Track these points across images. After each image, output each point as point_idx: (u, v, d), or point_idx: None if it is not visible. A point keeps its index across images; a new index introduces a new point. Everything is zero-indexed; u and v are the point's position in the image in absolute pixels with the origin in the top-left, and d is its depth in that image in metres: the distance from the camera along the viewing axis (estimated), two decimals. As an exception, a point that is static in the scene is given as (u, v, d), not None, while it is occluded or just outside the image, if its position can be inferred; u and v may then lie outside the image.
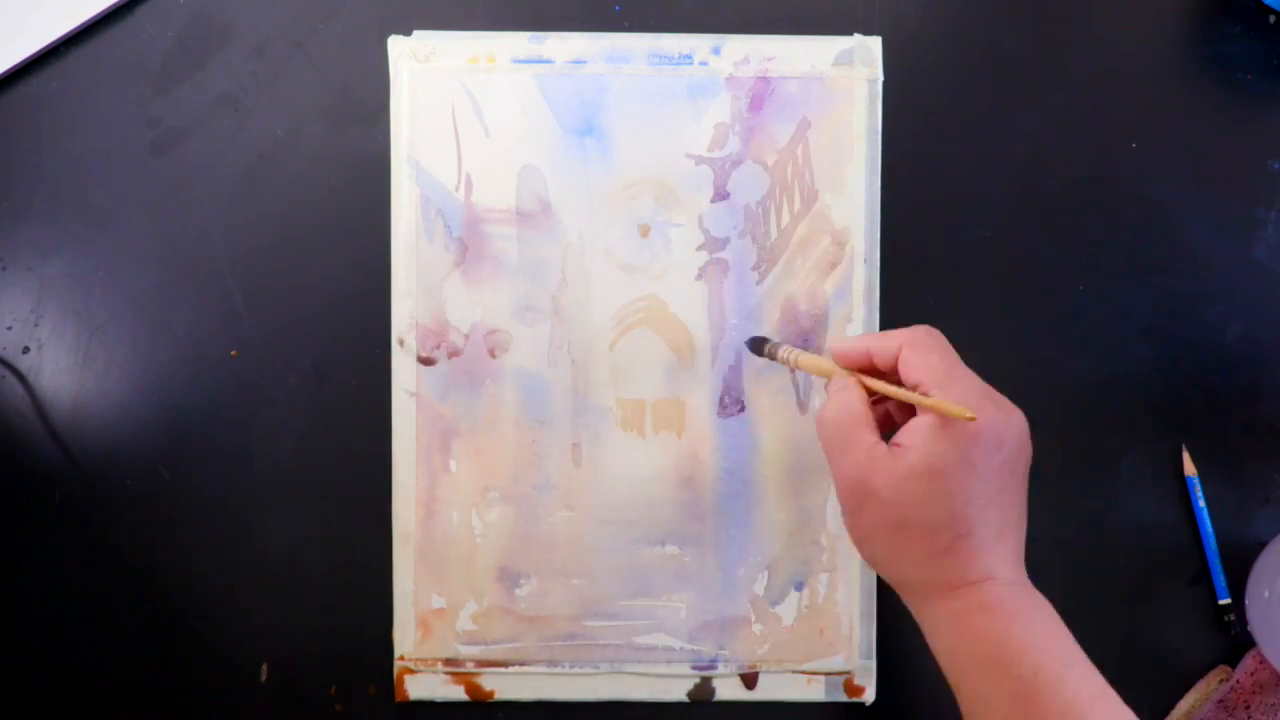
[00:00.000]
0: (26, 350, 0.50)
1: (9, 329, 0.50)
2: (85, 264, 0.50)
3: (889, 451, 0.39)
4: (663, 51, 0.50)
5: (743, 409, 0.50)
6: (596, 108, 0.50)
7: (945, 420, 0.38)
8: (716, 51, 0.50)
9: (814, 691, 0.50)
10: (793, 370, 0.49)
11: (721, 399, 0.50)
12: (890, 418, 0.43)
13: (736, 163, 0.50)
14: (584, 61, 0.50)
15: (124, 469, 0.50)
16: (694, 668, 0.50)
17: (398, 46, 0.50)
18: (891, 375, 0.41)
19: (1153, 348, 0.51)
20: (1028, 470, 0.40)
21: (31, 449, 0.50)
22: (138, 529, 0.50)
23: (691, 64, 0.50)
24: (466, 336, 0.50)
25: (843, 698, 0.50)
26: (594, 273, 0.50)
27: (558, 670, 0.50)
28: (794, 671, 0.50)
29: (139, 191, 0.50)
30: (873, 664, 0.50)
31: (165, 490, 0.50)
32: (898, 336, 0.41)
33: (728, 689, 0.50)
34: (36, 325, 0.50)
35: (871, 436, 0.39)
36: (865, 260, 0.50)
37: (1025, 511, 0.40)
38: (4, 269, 0.50)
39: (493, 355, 0.50)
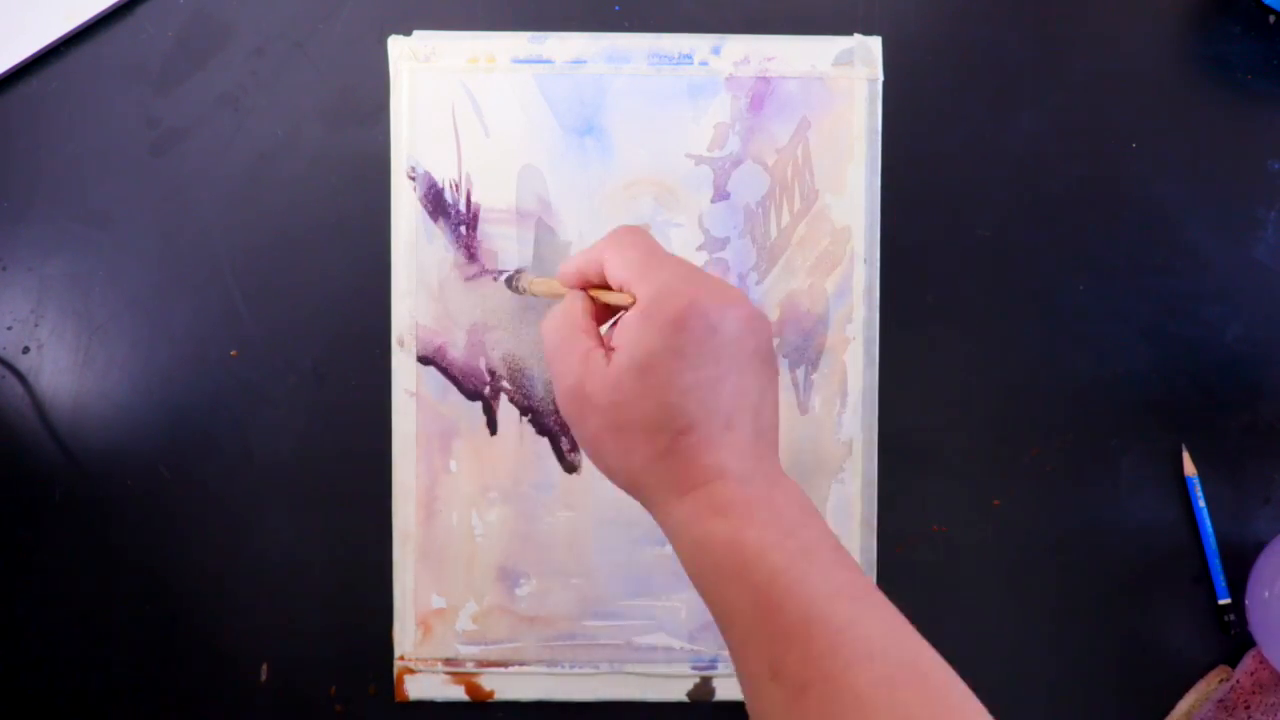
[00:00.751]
0: (26, 350, 0.50)
1: (9, 329, 0.50)
2: (85, 264, 0.50)
3: (605, 355, 0.37)
4: (663, 51, 0.50)
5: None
6: (596, 108, 0.50)
7: (647, 312, 0.36)
8: (716, 51, 0.50)
9: (814, 691, 0.50)
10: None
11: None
12: None
13: (736, 163, 0.50)
14: (584, 61, 0.50)
15: (124, 469, 0.50)
16: (694, 668, 0.50)
17: (398, 46, 0.50)
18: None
19: (1153, 348, 0.51)
20: (764, 354, 0.37)
21: (31, 449, 0.50)
22: (138, 529, 0.50)
23: (691, 64, 0.50)
24: (466, 336, 0.50)
25: (843, 698, 0.50)
26: (594, 273, 0.50)
27: (558, 670, 0.50)
28: (794, 671, 0.50)
29: (139, 191, 0.50)
30: (873, 664, 0.50)
31: (165, 490, 0.50)
32: (599, 244, 0.40)
33: (728, 689, 0.50)
34: (36, 325, 0.50)
35: (589, 342, 0.38)
36: (865, 260, 0.50)
37: (769, 399, 0.37)
38: (4, 269, 0.50)
39: (492, 355, 0.50)
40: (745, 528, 0.34)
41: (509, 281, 0.49)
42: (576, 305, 0.40)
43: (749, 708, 0.35)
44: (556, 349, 0.39)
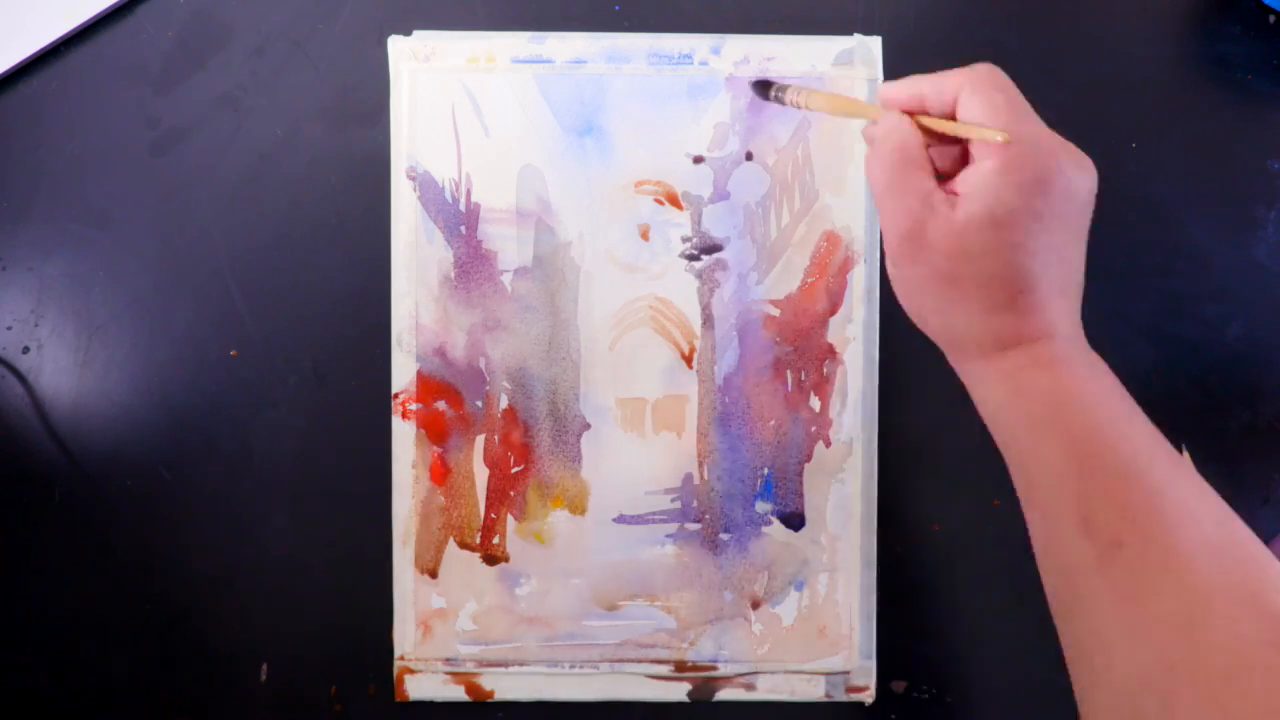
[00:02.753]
0: (26, 350, 0.50)
1: (9, 329, 0.50)
2: (85, 264, 0.50)
3: (947, 199, 0.35)
4: (663, 51, 0.50)
5: (743, 408, 0.50)
6: (596, 108, 0.50)
7: (1010, 166, 0.34)
8: (716, 51, 0.50)
9: (814, 691, 0.50)
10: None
11: (721, 399, 0.50)
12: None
13: (736, 163, 0.50)
14: (584, 61, 0.50)
15: (124, 469, 0.50)
16: (694, 668, 0.50)
17: (398, 46, 0.50)
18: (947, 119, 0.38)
19: (1153, 348, 0.51)
20: (1091, 223, 0.37)
21: (31, 449, 0.50)
22: (138, 529, 0.50)
23: (691, 64, 0.50)
24: (466, 336, 0.50)
25: (843, 698, 0.50)
26: (594, 273, 0.50)
27: (558, 670, 0.50)
28: (794, 672, 0.50)
29: (139, 191, 0.50)
30: (873, 664, 0.50)
31: (165, 490, 0.50)
32: (957, 76, 0.37)
33: (728, 689, 0.50)
34: (36, 325, 0.50)
35: (929, 182, 0.36)
36: (865, 260, 0.50)
37: (1082, 269, 0.37)
38: (4, 269, 0.50)
39: (492, 355, 0.50)
40: (1069, 382, 0.35)
41: (764, 90, 0.43)
42: (913, 138, 0.37)
43: (1046, 564, 0.35)
44: (891, 185, 0.36)
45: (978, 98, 0.36)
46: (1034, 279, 0.35)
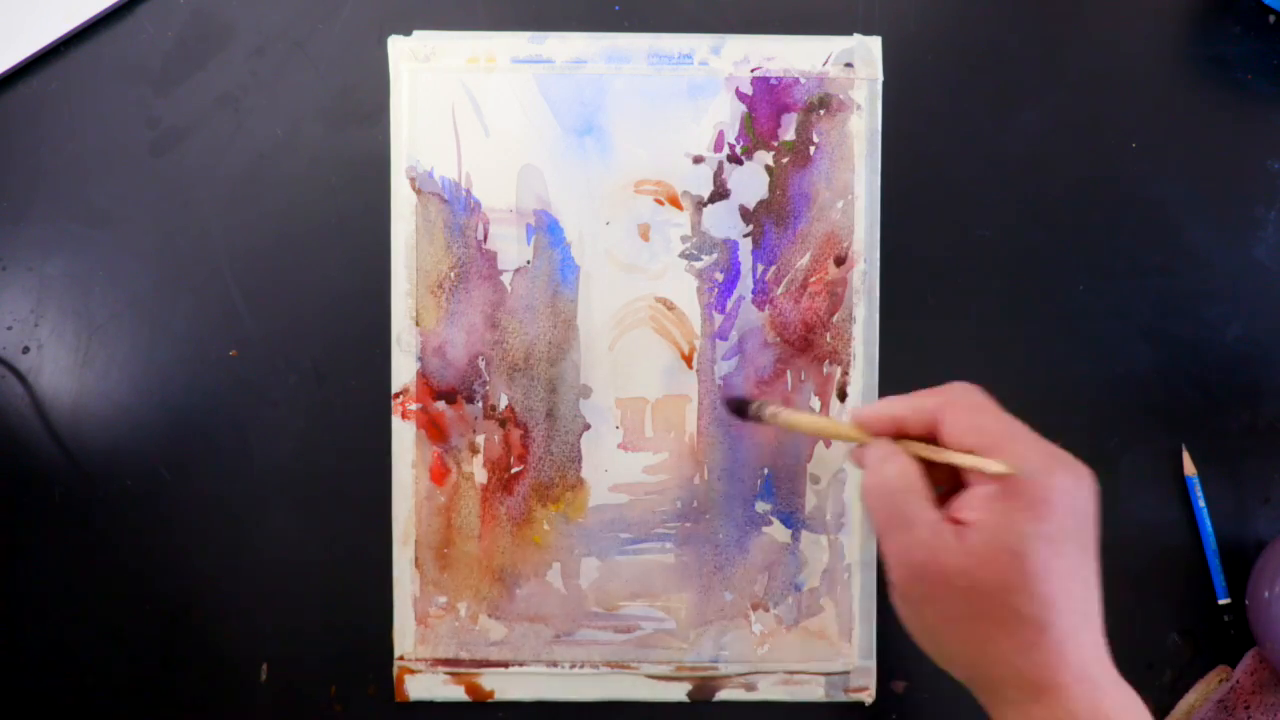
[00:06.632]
0: (26, 350, 0.50)
1: (9, 329, 0.50)
2: (85, 264, 0.50)
3: (955, 529, 0.34)
4: (663, 51, 0.50)
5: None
6: (596, 108, 0.50)
7: (1009, 489, 0.33)
8: (716, 51, 0.50)
9: (814, 692, 0.50)
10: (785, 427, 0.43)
11: (721, 398, 0.50)
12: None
13: (736, 163, 0.50)
14: (584, 61, 0.50)
15: (124, 469, 0.50)
16: (694, 668, 0.50)
17: (398, 46, 0.50)
18: (925, 440, 0.36)
19: (1153, 348, 0.51)
20: (1096, 532, 0.35)
21: (31, 449, 0.50)
22: (138, 529, 0.50)
23: (691, 64, 0.50)
24: (466, 336, 0.50)
25: (843, 698, 0.50)
26: (594, 273, 0.50)
27: (558, 670, 0.50)
28: (794, 672, 0.50)
29: (139, 191, 0.50)
30: (873, 664, 0.50)
31: (165, 490, 0.50)
32: (934, 397, 0.36)
33: (728, 689, 0.50)
34: (36, 325, 0.50)
35: (933, 513, 0.34)
36: (865, 260, 0.50)
37: (1099, 589, 0.35)
38: (4, 269, 0.50)
39: (492, 355, 0.50)
40: None
41: (740, 408, 0.43)
42: (910, 467, 0.35)
43: None
44: (895, 518, 0.35)
45: (962, 422, 0.35)
46: (1058, 609, 0.33)
